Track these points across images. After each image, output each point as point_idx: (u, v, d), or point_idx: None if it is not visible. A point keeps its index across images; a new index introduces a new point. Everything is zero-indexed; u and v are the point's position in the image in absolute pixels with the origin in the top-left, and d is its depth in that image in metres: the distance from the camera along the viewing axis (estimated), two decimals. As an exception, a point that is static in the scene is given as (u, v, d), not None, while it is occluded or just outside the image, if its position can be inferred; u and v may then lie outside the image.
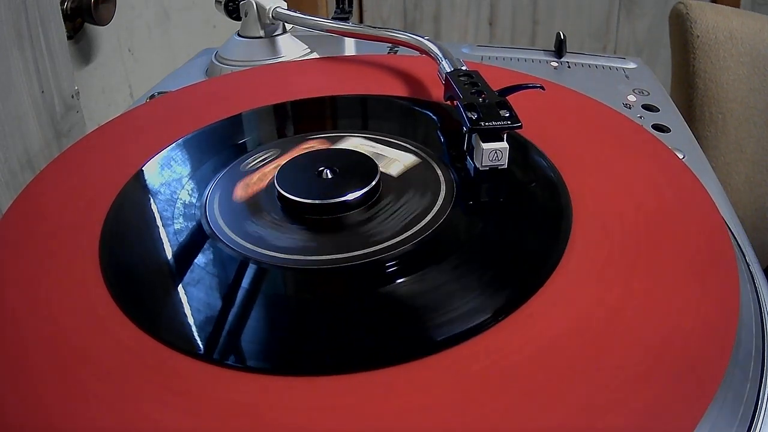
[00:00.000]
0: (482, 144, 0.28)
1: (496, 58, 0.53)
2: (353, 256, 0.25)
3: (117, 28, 0.66)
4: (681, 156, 0.31)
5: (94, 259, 0.26)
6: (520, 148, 0.31)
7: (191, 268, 0.25)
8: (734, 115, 0.64)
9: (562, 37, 0.53)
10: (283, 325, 0.23)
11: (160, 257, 0.26)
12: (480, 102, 0.30)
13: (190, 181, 0.30)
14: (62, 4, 0.56)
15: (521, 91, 0.32)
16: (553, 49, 0.54)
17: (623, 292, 0.23)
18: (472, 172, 0.29)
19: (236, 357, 0.21)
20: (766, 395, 0.21)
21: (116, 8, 0.60)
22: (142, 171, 0.31)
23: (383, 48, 0.52)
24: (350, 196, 0.27)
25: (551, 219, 0.27)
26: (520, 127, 0.28)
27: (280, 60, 0.48)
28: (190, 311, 0.23)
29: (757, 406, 0.21)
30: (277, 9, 0.48)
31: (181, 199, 0.29)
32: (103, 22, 0.59)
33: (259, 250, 0.25)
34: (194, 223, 0.27)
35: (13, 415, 0.20)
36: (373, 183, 0.28)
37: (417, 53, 0.40)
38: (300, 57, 0.49)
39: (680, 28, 0.65)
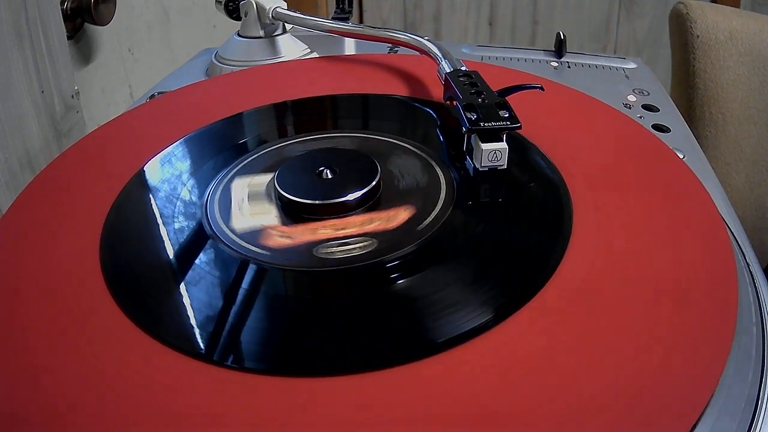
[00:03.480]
0: (481, 144, 0.28)
1: (496, 58, 0.53)
2: (354, 257, 0.25)
3: (117, 28, 0.66)
4: (681, 156, 0.31)
5: (95, 259, 0.26)
6: (520, 148, 0.31)
7: (192, 268, 0.25)
8: (734, 115, 0.64)
9: (562, 37, 0.53)
10: (284, 326, 0.23)
11: (161, 257, 0.26)
12: (479, 102, 0.30)
13: (191, 181, 0.30)
14: (62, 4, 0.56)
15: (521, 92, 0.32)
16: (553, 49, 0.53)
17: (623, 292, 0.23)
18: (471, 172, 0.29)
19: (235, 357, 0.21)
20: (766, 396, 0.21)
21: (116, 8, 0.60)
22: (143, 171, 0.31)
23: (383, 48, 0.52)
24: (350, 196, 0.27)
25: (551, 219, 0.27)
26: (519, 127, 0.28)
27: (280, 60, 0.48)
28: (191, 311, 0.23)
29: (757, 406, 0.21)
30: (277, 9, 0.48)
31: (181, 199, 0.29)
32: (103, 22, 0.59)
33: (259, 250, 0.25)
34: (195, 224, 0.27)
35: (15, 411, 0.20)
36: (374, 183, 0.28)
37: (417, 53, 0.40)
38: (300, 57, 0.49)
39: (680, 28, 0.65)
